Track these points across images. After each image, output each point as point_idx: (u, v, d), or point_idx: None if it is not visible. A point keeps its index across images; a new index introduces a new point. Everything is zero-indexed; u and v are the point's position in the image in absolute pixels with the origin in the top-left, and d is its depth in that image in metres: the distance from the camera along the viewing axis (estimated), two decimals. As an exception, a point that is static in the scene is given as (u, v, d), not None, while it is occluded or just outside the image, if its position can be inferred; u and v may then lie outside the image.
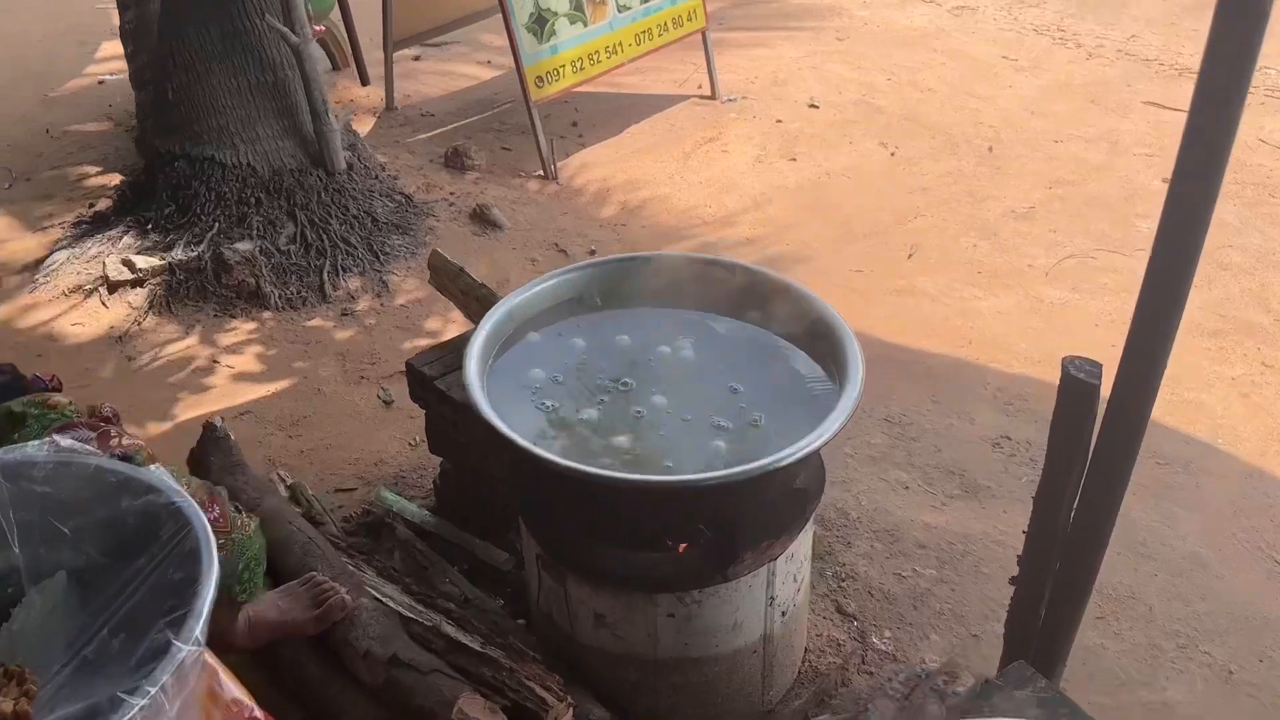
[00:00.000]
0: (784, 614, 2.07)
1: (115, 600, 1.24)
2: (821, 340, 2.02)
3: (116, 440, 1.45)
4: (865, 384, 1.86)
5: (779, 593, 2.01)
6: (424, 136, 4.94)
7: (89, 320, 3.59)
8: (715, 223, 4.25)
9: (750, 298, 2.14)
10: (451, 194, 4.37)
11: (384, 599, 2.06)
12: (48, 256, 3.88)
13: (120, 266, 3.67)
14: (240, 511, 1.59)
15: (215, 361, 3.40)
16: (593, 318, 2.18)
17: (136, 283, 3.66)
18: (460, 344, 2.28)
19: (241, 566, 1.55)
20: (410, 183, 4.39)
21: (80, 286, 3.69)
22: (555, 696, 1.87)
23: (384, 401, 3.18)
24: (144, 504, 1.31)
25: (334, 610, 1.87)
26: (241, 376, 3.35)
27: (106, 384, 3.29)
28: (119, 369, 3.37)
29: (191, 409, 3.20)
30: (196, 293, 3.64)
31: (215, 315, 3.60)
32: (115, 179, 4.46)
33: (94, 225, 4.02)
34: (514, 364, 2.05)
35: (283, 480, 2.57)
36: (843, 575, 2.55)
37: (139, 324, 3.55)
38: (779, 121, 5.07)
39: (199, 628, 1.09)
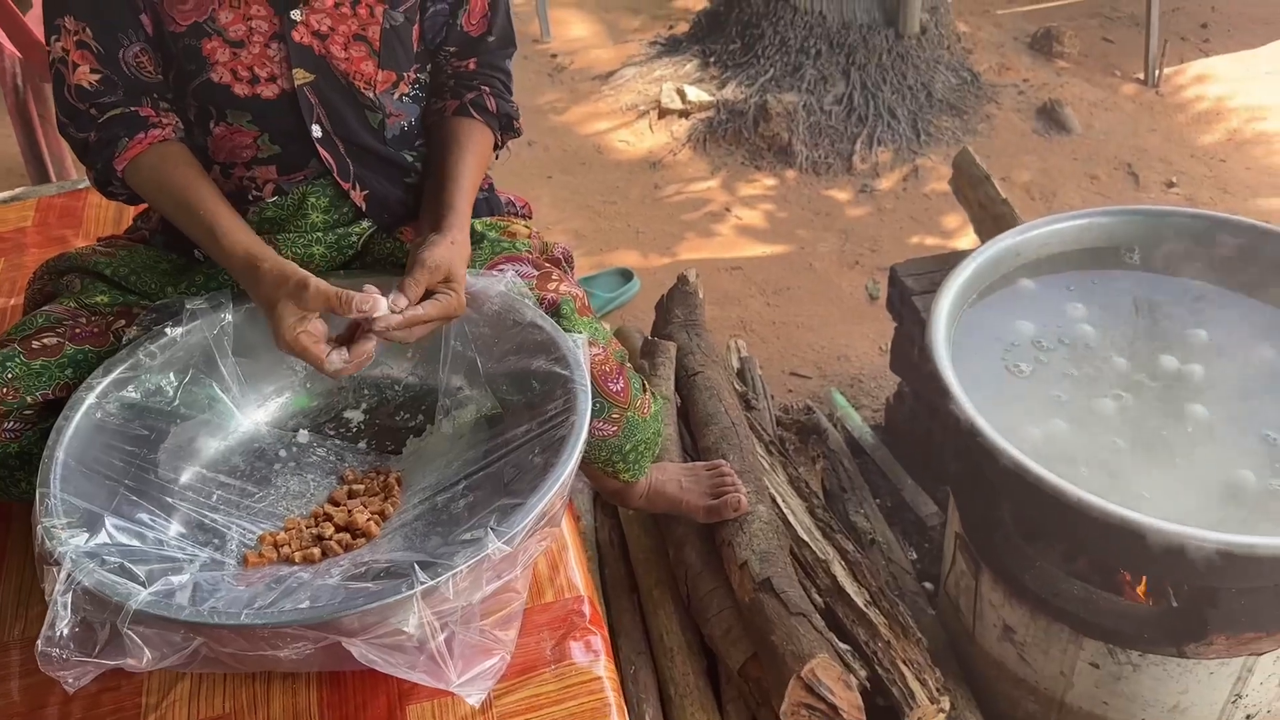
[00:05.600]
0: (1249, 718, 1.60)
1: (482, 460, 1.22)
2: None
3: (555, 285, 1.42)
4: None
5: (1250, 693, 1.54)
6: (1019, 10, 4.40)
7: (634, 139, 3.76)
8: (1352, 181, 3.31)
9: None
10: (1025, 80, 3.86)
11: (784, 510, 1.93)
12: (620, 69, 4.10)
13: (674, 94, 3.77)
14: (645, 391, 1.51)
15: (728, 209, 3.40)
16: (1118, 279, 1.75)
17: (683, 114, 3.74)
18: (956, 262, 1.98)
19: (629, 447, 1.49)
20: (983, 60, 3.95)
21: (636, 106, 3.87)
22: (928, 694, 1.63)
23: (870, 295, 2.96)
24: (550, 372, 1.26)
25: (726, 508, 1.77)
26: (745, 230, 3.31)
27: (629, 205, 3.45)
28: (644, 194, 3.50)
29: (693, 250, 3.24)
30: (732, 136, 3.63)
31: (742, 163, 3.58)
32: (701, 3, 4.55)
33: (666, 47, 4.16)
34: (999, 309, 1.72)
35: (738, 351, 2.51)
36: (1363, 691, 1.93)
37: (674, 154, 3.65)
38: None
39: (521, 530, 1.01)
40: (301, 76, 1.31)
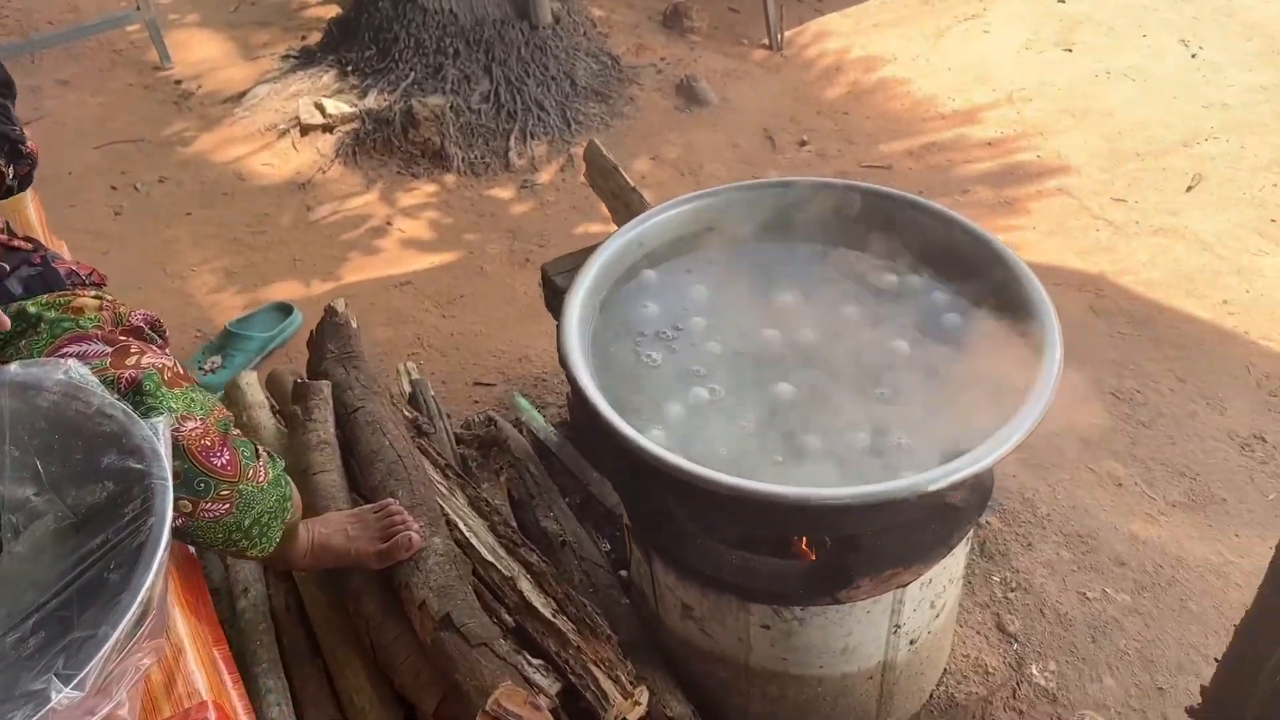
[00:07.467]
0: (912, 643, 1.72)
1: (57, 583, 1.06)
2: (1025, 332, 1.57)
3: (135, 360, 1.27)
4: (1051, 406, 1.43)
5: (906, 621, 1.66)
6: (649, -11, 4.54)
7: (278, 161, 3.55)
8: (955, 118, 3.66)
9: (945, 253, 1.70)
10: (662, 59, 3.98)
11: (466, 534, 1.87)
12: (252, 89, 3.86)
13: (313, 109, 3.58)
14: (258, 458, 1.39)
15: (389, 223, 3.28)
16: (730, 255, 1.81)
17: (327, 128, 3.57)
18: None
19: (249, 522, 1.37)
20: (620, 42, 4.03)
21: (275, 125, 3.65)
22: (620, 690, 1.63)
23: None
24: (122, 468, 1.11)
25: (398, 549, 1.69)
26: (411, 243, 3.21)
27: (282, 232, 3.25)
28: (296, 219, 3.31)
29: (357, 271, 3.10)
30: (383, 146, 3.50)
31: (398, 172, 3.46)
32: (333, 10, 4.36)
33: (300, 60, 3.95)
34: (630, 300, 1.74)
35: (408, 374, 2.42)
36: (1012, 585, 2.14)
37: (324, 172, 3.48)
38: (1061, 1, 4.28)
39: (93, 669, 0.89)
40: None
